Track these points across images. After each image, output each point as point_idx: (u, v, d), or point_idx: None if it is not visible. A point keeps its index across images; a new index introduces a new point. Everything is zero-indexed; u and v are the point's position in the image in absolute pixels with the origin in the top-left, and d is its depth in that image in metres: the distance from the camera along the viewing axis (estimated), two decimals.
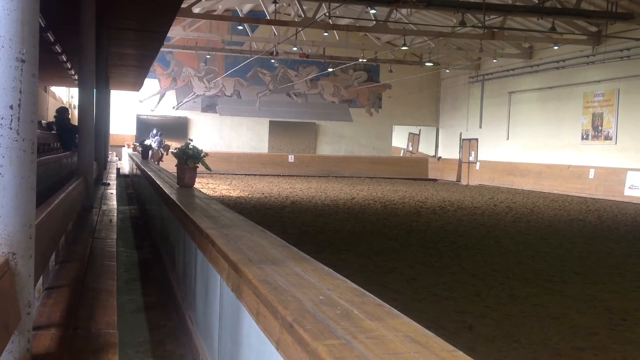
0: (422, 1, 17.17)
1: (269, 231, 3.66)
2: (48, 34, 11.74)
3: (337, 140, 34.32)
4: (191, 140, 8.53)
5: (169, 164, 15.63)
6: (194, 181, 7.23)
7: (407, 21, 24.00)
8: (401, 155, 35.73)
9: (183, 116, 32.41)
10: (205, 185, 20.43)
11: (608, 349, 4.82)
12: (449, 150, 33.12)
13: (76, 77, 16.36)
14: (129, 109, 30.89)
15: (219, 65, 32.34)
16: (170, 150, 23.10)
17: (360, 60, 27.35)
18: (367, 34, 28.57)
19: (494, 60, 27.53)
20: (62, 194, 4.67)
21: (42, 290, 3.23)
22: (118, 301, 3.20)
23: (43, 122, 15.25)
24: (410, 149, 36.03)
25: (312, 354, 1.59)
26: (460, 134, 31.99)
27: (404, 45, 23.01)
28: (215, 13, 26.20)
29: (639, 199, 19.79)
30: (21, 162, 1.94)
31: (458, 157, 31.82)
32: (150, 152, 21.85)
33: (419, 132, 35.59)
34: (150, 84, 30.17)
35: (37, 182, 2.09)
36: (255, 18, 26.03)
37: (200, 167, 7.43)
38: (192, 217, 4.24)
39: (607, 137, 22.36)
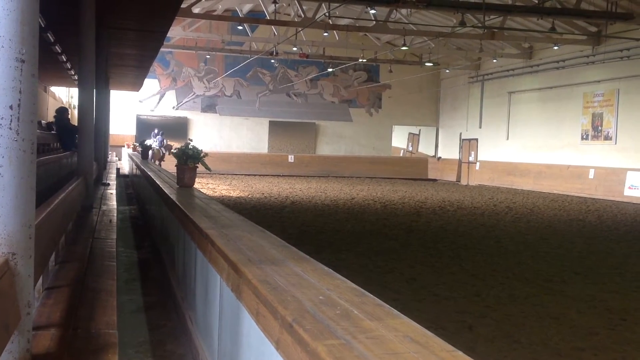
0: (422, 1, 17.17)
1: (268, 231, 3.66)
2: (48, 34, 11.74)
3: (337, 140, 34.30)
4: (191, 141, 8.54)
5: (169, 164, 15.63)
6: (194, 181, 7.24)
7: (407, 21, 24.00)
8: (401, 155, 35.72)
9: (183, 116, 32.40)
10: (205, 185, 20.42)
11: (608, 349, 4.82)
12: (449, 151, 33.11)
13: (76, 77, 16.38)
14: (129, 109, 30.87)
15: (218, 66, 32.33)
16: (171, 150, 23.09)
17: (360, 60, 27.35)
18: (367, 34, 28.57)
19: (494, 61, 27.51)
20: (62, 194, 4.66)
21: (42, 291, 3.23)
22: (118, 301, 3.19)
23: (43, 122, 15.24)
24: (410, 149, 36.02)
25: (311, 354, 1.59)
26: (460, 134, 31.97)
27: (404, 45, 23.01)
28: (215, 13, 26.19)
29: (638, 199, 19.79)
30: (21, 162, 1.94)
31: (458, 157, 31.81)
32: (150, 152, 21.86)
33: (419, 132, 35.58)
34: (150, 84, 30.17)
35: (37, 182, 2.09)
36: (255, 18, 26.04)
37: (200, 167, 7.43)
38: (191, 217, 4.24)
39: (607, 137, 22.36)
